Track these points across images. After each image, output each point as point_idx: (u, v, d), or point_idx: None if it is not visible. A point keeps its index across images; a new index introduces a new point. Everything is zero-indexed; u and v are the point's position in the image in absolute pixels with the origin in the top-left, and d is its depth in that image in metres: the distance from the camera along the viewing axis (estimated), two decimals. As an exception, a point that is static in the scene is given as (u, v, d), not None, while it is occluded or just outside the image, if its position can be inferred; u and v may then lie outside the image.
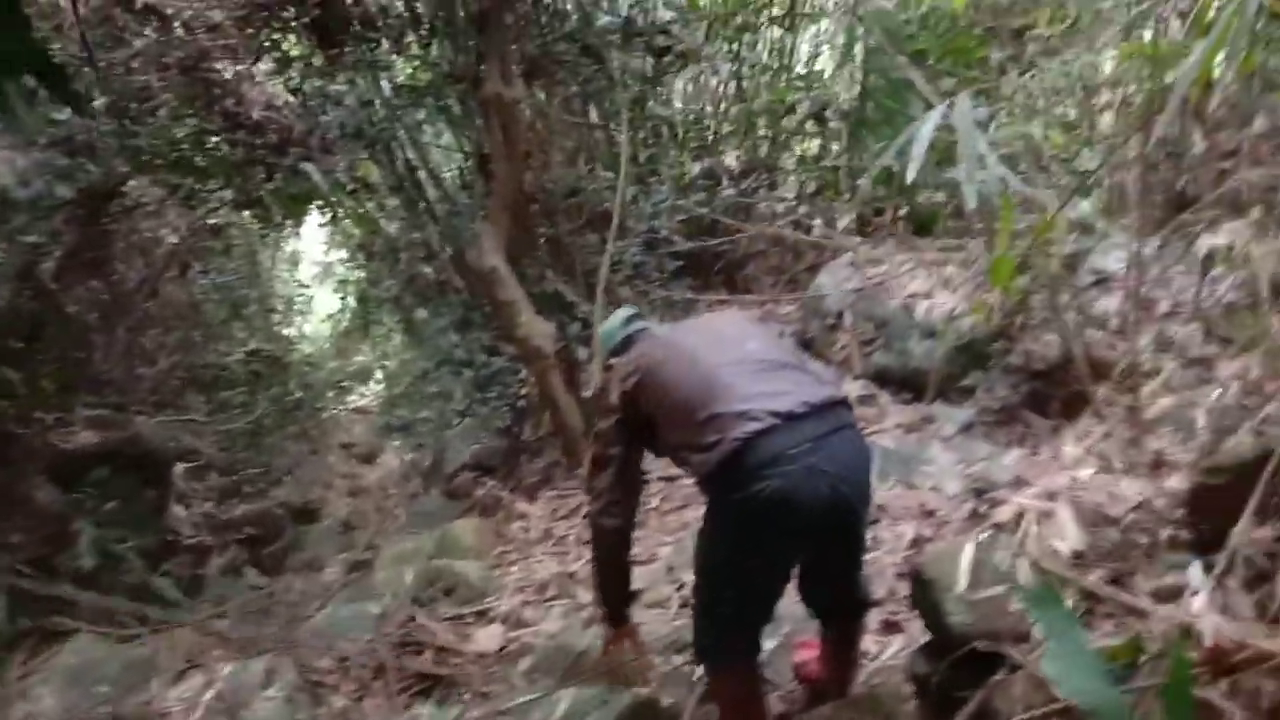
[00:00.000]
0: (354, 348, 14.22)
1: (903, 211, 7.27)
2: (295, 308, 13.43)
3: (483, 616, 4.05)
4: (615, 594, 2.93)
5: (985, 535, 2.45)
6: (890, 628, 3.31)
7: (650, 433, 2.60)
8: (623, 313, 3.06)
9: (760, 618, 2.51)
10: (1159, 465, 2.68)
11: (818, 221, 7.45)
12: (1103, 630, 2.05)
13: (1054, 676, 1.26)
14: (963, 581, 2.37)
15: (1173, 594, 2.06)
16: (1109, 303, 4.67)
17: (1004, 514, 2.43)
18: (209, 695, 3.42)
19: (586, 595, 3.99)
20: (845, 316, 5.54)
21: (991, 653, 2.29)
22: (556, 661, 3.53)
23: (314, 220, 11.34)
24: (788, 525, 2.25)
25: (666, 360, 2.54)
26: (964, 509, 3.81)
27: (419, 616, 4.03)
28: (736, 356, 2.47)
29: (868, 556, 2.98)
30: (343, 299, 12.97)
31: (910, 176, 2.19)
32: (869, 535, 3.11)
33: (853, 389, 5.25)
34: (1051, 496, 2.46)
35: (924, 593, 2.50)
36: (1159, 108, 3.68)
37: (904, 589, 3.54)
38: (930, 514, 3.92)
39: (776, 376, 2.41)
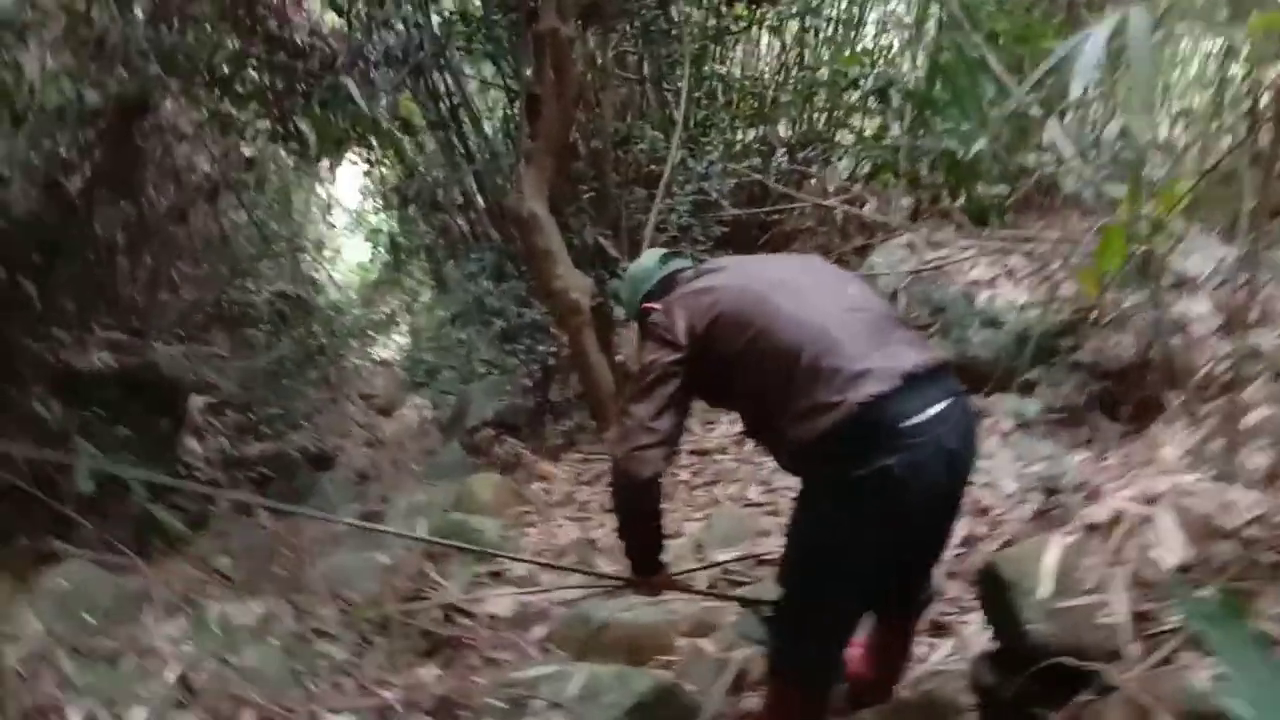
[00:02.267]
0: (382, 299, 14.04)
1: (959, 201, 6.97)
2: (325, 252, 13.24)
3: (497, 577, 3.81)
4: (647, 545, 2.44)
5: (1073, 537, 2.18)
6: (939, 629, 3.06)
7: (721, 382, 2.20)
8: (656, 252, 2.64)
9: (854, 630, 2.22)
10: (1275, 477, 2.39)
11: (871, 202, 7.14)
12: (1219, 656, 1.78)
13: (1241, 713, 0.99)
14: (1046, 587, 2.10)
15: (1303, 623, 1.79)
16: (1188, 306, 4.37)
17: (1098, 515, 2.15)
18: (201, 635, 3.20)
19: (609, 565, 3.75)
20: (900, 299, 5.24)
21: (1073, 670, 2.02)
22: (573, 631, 3.29)
23: (350, 168, 11.16)
24: (917, 504, 1.93)
25: (752, 299, 2.12)
26: (1024, 508, 3.55)
27: (430, 571, 3.79)
28: (845, 304, 2.10)
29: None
30: (374, 248, 12.78)
31: (1075, 92, 1.88)
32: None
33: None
34: (1150, 501, 2.18)
35: (998, 596, 2.22)
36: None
37: (955, 588, 3.29)
38: (984, 511, 3.65)
39: (889, 331, 2.07)
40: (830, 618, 2.13)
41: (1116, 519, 2.14)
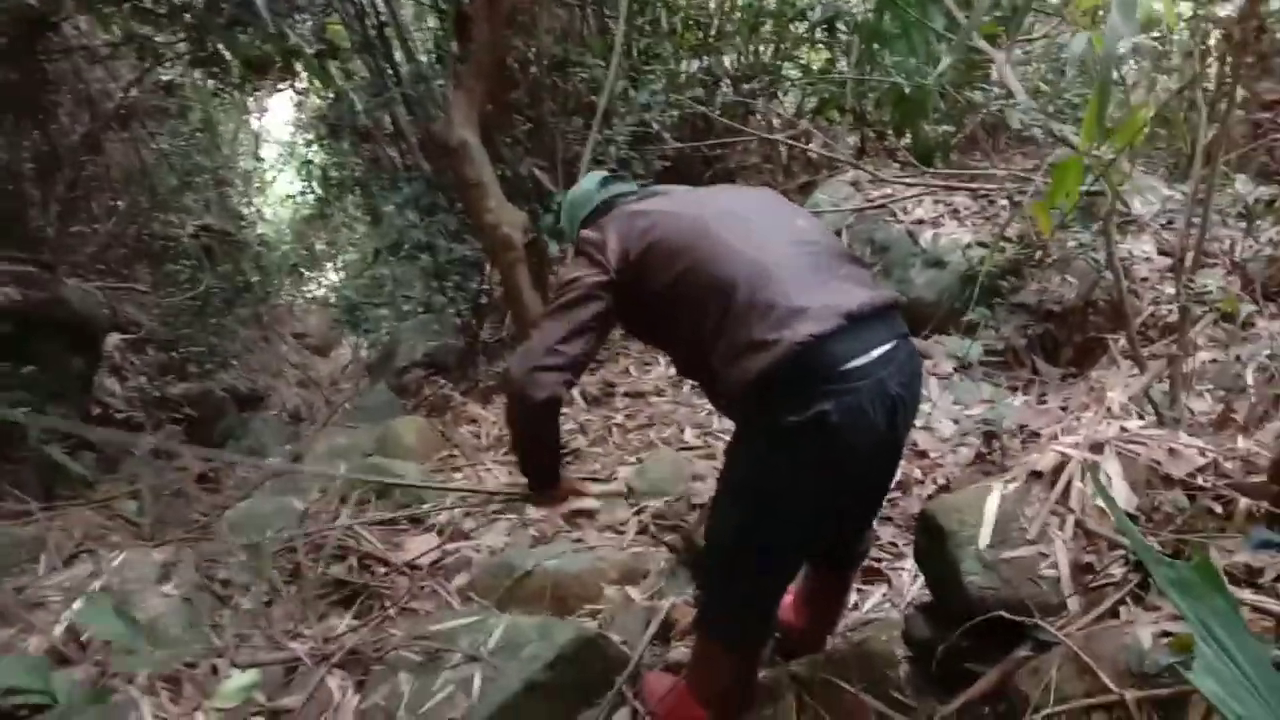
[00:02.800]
0: (313, 234, 13.59)
1: (905, 140, 6.82)
2: (254, 185, 12.74)
3: (417, 524, 3.63)
4: (542, 463, 2.28)
5: (1014, 485, 2.06)
6: (872, 575, 2.96)
7: (652, 315, 2.03)
8: (597, 174, 2.44)
9: (787, 584, 2.09)
10: (1225, 423, 2.30)
11: (817, 138, 6.95)
12: (1164, 613, 1.67)
13: (1211, 694, 0.86)
14: (986, 536, 1.99)
15: (1252, 574, 1.69)
16: (1133, 247, 4.29)
17: (1041, 462, 2.03)
18: (95, 586, 2.99)
19: (536, 512, 3.59)
20: (843, 237, 5.09)
21: (1011, 623, 1.91)
22: (497, 580, 3.14)
23: (282, 100, 10.66)
24: (856, 452, 1.78)
25: (691, 228, 1.96)
26: (962, 453, 3.46)
27: (344, 517, 3.60)
28: (791, 237, 1.93)
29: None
30: (305, 182, 12.30)
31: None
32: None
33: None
34: (1095, 447, 2.07)
35: (934, 546, 2.11)
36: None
37: (889, 533, 3.20)
38: (922, 455, 3.55)
39: (836, 267, 1.90)
40: (763, 566, 2.00)
41: (1060, 466, 2.02)
